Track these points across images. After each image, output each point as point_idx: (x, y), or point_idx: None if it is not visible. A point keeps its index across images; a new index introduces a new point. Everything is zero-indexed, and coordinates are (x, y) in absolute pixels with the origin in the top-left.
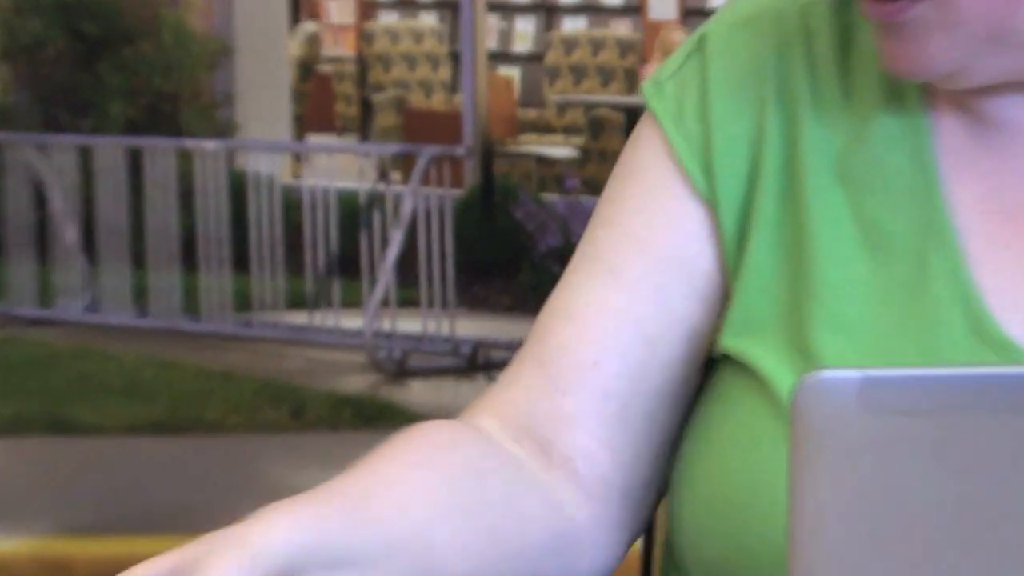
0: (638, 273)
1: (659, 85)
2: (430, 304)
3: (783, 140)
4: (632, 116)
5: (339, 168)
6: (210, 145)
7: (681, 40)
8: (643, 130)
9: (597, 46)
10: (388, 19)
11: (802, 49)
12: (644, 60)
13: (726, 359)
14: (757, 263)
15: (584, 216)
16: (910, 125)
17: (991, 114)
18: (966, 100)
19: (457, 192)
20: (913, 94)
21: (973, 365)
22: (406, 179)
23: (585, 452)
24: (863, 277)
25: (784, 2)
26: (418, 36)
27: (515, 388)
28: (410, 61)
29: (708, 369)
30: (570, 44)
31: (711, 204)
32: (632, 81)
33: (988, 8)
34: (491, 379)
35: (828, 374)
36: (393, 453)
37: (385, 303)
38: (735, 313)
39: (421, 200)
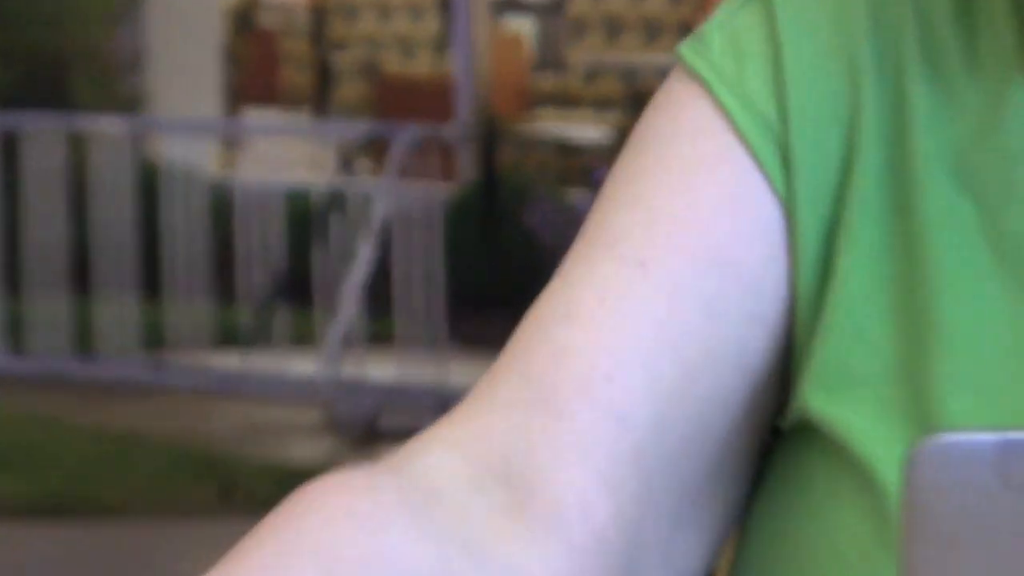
0: (677, 272)
1: (701, 39)
2: (410, 342)
3: (886, 126)
4: None
5: (287, 157)
6: (111, 125)
7: None
8: (676, 91)
9: None
10: None
11: (913, 6)
12: (705, 8)
13: (803, 428)
14: (851, 295)
15: None
16: None
17: None
18: None
19: (448, 189)
20: None
21: None
22: (378, 171)
23: (581, 496)
24: (1003, 317)
25: None
26: None
27: (489, 409)
28: (383, 9)
29: (773, 438)
30: None
31: (787, 203)
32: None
33: None
34: None
35: (954, 437)
36: (262, 540)
37: (349, 341)
38: (819, 363)
39: (399, 200)
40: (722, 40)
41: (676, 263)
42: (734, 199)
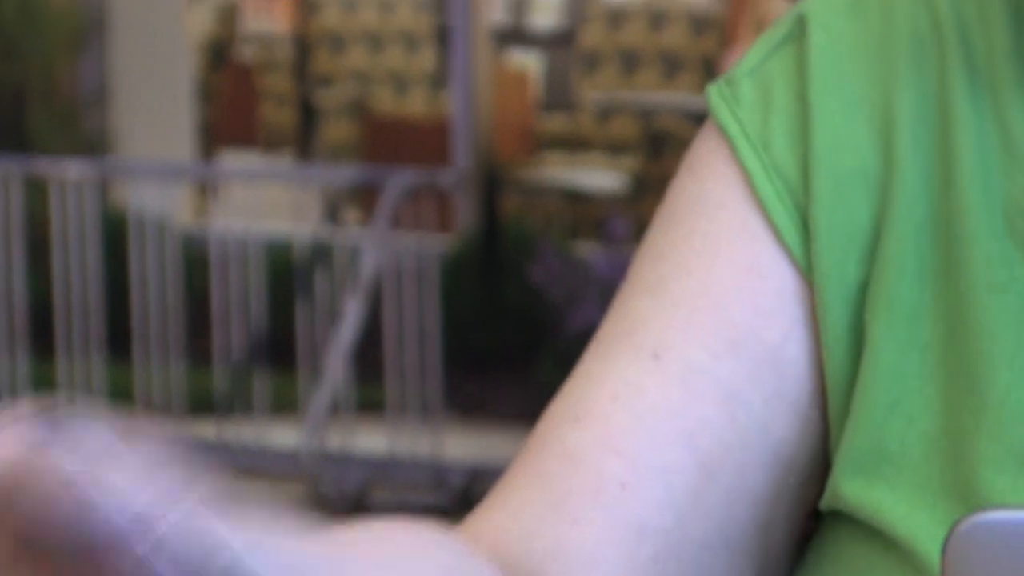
0: (694, 360)
1: (732, 85)
2: (403, 410)
3: (928, 181)
4: None
5: (267, 204)
6: (73, 168)
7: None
8: (706, 150)
9: (657, 21)
10: None
11: (958, 38)
12: (728, 42)
13: (839, 514)
14: (886, 365)
15: None
16: None
17: None
18: None
19: (445, 240)
20: None
21: None
22: (367, 220)
23: None
24: None
25: None
26: (386, 3)
27: (505, 511)
28: (373, 41)
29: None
30: (617, 18)
31: (807, 273)
32: (710, 74)
33: None
34: None
35: (994, 515)
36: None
37: (335, 409)
38: (852, 443)
39: (390, 252)
40: (752, 90)
41: (692, 351)
42: (752, 273)
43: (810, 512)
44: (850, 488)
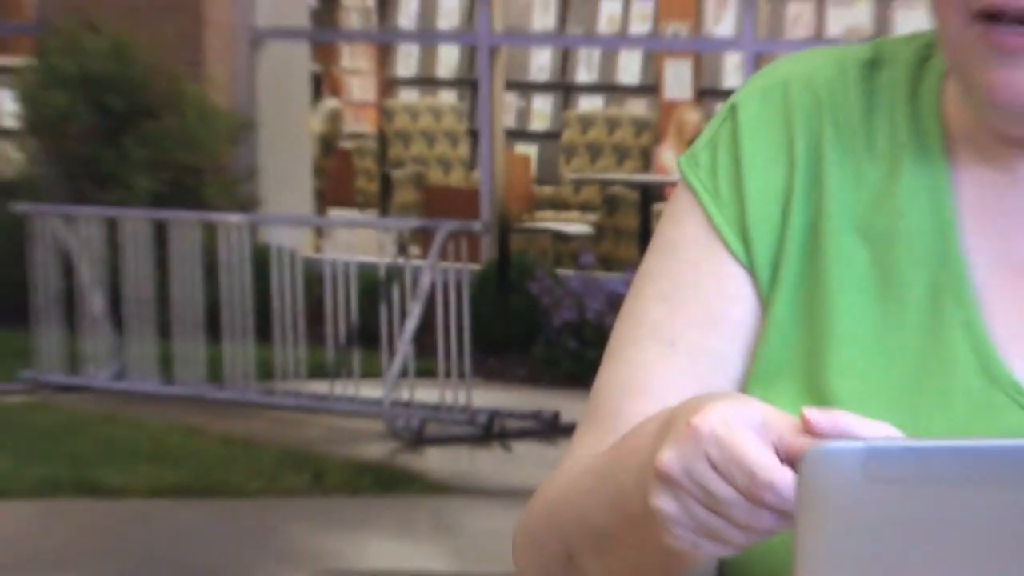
0: (694, 342)
1: (694, 157)
2: (447, 375)
3: (810, 199)
4: (647, 193)
5: (359, 242)
6: (233, 218)
7: (696, 120)
8: (681, 202)
9: (613, 125)
10: (408, 96)
11: (830, 112)
12: (659, 139)
13: None
14: (780, 316)
15: (599, 292)
16: (933, 182)
17: (1014, 171)
18: (993, 154)
19: (474, 267)
20: (936, 150)
21: (975, 438)
22: (424, 254)
23: None
24: (878, 326)
25: (812, 67)
26: (437, 113)
27: (594, 447)
28: (429, 138)
29: None
30: (586, 123)
31: (749, 268)
32: (647, 160)
33: None
34: (506, 448)
35: (832, 446)
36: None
37: (403, 374)
38: (759, 364)
39: (439, 274)
40: (706, 157)
41: (692, 336)
42: (720, 279)
43: None
44: (755, 391)
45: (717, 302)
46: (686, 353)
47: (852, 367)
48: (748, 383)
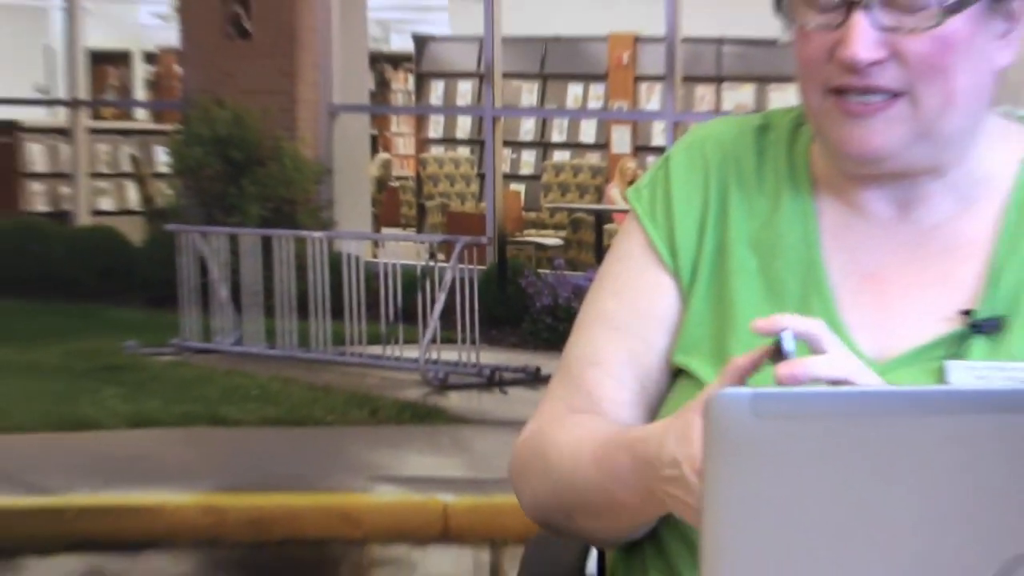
0: (634, 329)
1: (639, 191)
2: (463, 342)
3: (719, 224)
4: (600, 218)
5: (403, 251)
6: (317, 235)
7: (634, 167)
8: (629, 224)
9: (576, 170)
10: (436, 151)
11: (733, 163)
12: (608, 180)
13: (679, 370)
14: (696, 308)
15: (567, 286)
16: (802, 210)
17: (859, 203)
18: (845, 190)
19: (482, 268)
20: (805, 188)
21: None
22: (448, 259)
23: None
24: (765, 315)
25: (721, 130)
26: (456, 162)
27: (565, 407)
28: (451, 179)
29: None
30: (558, 169)
31: (675, 273)
32: (600, 194)
33: (934, 110)
34: (503, 392)
35: (727, 391)
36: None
37: (433, 341)
38: (681, 341)
39: (458, 273)
40: (647, 192)
41: (633, 324)
42: (655, 283)
43: (673, 372)
44: (679, 359)
45: (651, 299)
46: (628, 336)
47: (747, 344)
48: (674, 354)
